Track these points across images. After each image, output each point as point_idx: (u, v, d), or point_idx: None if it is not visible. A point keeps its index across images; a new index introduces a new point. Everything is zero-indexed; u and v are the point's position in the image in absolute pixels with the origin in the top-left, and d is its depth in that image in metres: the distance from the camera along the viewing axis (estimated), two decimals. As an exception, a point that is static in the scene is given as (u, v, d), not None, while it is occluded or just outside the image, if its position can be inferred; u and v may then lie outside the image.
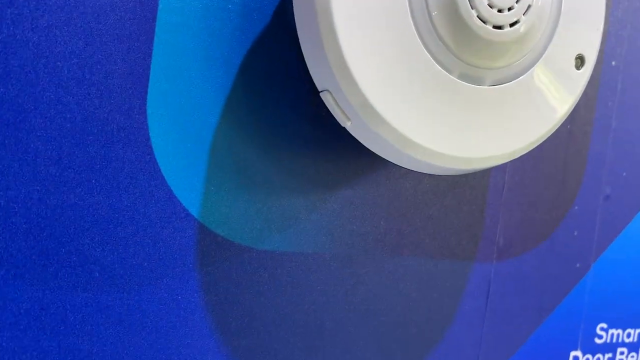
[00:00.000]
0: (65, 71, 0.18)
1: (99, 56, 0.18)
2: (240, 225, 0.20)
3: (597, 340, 0.29)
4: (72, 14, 0.18)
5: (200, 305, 0.20)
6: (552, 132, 0.20)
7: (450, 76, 0.18)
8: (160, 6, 0.19)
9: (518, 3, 0.18)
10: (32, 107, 0.17)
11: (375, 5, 0.17)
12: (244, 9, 0.20)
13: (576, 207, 0.28)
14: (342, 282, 0.22)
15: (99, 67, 0.18)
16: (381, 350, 0.24)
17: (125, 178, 0.19)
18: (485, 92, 0.18)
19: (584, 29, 0.20)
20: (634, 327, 0.30)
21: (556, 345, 0.28)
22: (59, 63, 0.18)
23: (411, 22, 0.17)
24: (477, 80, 0.18)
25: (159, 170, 0.19)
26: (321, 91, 0.18)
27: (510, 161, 0.26)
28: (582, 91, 0.20)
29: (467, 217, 0.25)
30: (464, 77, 0.18)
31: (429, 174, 0.24)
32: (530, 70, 0.19)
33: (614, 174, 0.28)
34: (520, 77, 0.19)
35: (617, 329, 0.30)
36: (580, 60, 0.20)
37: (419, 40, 0.17)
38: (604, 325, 0.29)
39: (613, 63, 0.28)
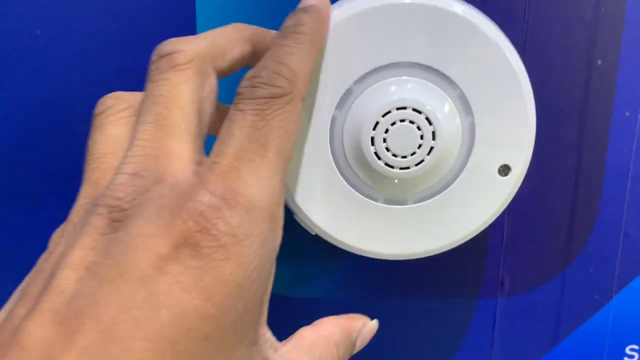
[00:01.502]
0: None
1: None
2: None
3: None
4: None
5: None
6: (479, 230, 0.24)
7: (377, 203, 0.24)
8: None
9: (420, 148, 0.23)
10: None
11: (310, 165, 0.24)
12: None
13: (590, 247, 0.30)
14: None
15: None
16: (398, 365, 0.31)
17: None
18: (408, 209, 0.24)
19: (507, 141, 0.24)
20: (675, 348, 0.32)
21: (574, 363, 0.32)
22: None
23: (337, 172, 0.24)
24: (400, 202, 0.24)
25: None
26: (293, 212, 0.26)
27: (510, 206, 0.30)
28: (512, 194, 0.24)
29: (468, 258, 0.30)
30: (388, 201, 0.24)
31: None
32: (449, 187, 0.24)
33: (636, 214, 0.30)
34: (442, 193, 0.24)
35: (652, 349, 0.32)
36: (505, 169, 0.24)
37: (346, 184, 0.24)
38: (635, 347, 0.32)
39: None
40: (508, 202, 0.24)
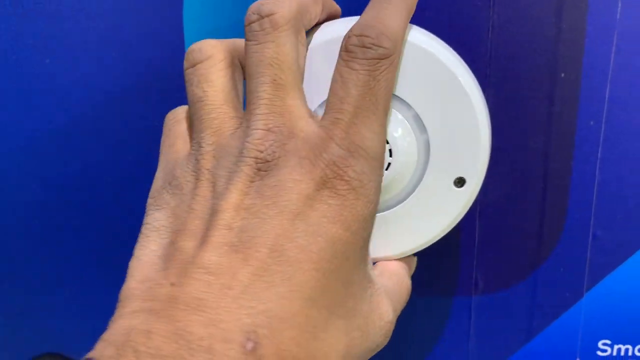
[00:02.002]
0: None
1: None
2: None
3: (600, 353, 0.33)
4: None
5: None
6: (439, 237, 0.26)
7: None
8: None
9: None
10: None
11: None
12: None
13: (560, 248, 0.32)
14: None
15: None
16: None
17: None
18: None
19: (461, 155, 0.25)
20: (647, 343, 0.33)
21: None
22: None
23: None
24: None
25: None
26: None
27: (482, 210, 0.32)
28: (468, 204, 0.26)
29: (443, 260, 0.32)
30: None
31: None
32: (408, 199, 0.26)
33: (603, 216, 0.31)
34: (402, 204, 0.26)
35: (625, 344, 0.33)
36: (461, 181, 0.26)
37: None
38: (607, 342, 0.33)
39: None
40: (465, 211, 0.26)
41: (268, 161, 0.20)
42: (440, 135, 0.25)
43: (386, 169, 0.25)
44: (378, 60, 0.21)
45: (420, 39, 0.25)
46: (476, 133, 0.25)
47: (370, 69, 0.20)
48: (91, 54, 0.30)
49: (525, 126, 0.30)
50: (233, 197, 0.20)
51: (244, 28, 0.22)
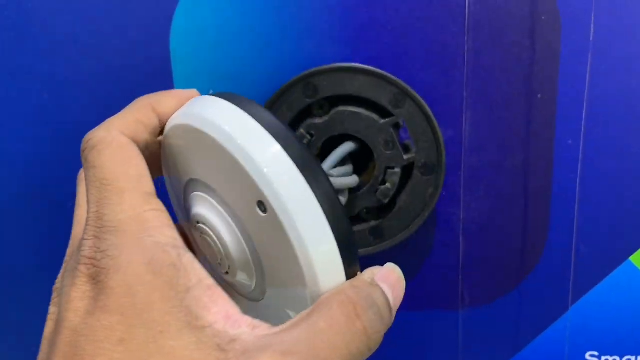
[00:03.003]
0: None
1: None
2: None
3: (588, 365, 0.34)
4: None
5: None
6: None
7: (243, 299, 0.25)
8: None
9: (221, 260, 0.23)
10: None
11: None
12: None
13: (542, 263, 0.32)
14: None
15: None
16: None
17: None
18: (260, 304, 0.24)
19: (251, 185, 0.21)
20: (634, 354, 0.33)
21: (537, 369, 0.34)
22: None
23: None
24: (255, 299, 0.24)
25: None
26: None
27: (465, 229, 0.32)
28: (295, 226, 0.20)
29: (430, 277, 0.33)
30: (251, 298, 0.24)
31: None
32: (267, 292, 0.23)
33: (585, 232, 0.32)
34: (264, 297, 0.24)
35: (612, 355, 0.34)
36: (260, 205, 0.21)
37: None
38: (595, 353, 0.34)
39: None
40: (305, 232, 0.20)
41: (58, 288, 0.22)
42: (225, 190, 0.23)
43: (227, 273, 0.24)
44: (90, 149, 0.22)
45: (207, 124, 0.22)
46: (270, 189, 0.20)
47: (87, 165, 0.22)
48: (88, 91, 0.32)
49: (505, 147, 0.31)
50: (45, 331, 0.21)
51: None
